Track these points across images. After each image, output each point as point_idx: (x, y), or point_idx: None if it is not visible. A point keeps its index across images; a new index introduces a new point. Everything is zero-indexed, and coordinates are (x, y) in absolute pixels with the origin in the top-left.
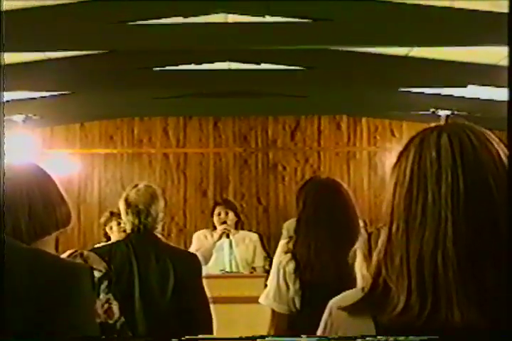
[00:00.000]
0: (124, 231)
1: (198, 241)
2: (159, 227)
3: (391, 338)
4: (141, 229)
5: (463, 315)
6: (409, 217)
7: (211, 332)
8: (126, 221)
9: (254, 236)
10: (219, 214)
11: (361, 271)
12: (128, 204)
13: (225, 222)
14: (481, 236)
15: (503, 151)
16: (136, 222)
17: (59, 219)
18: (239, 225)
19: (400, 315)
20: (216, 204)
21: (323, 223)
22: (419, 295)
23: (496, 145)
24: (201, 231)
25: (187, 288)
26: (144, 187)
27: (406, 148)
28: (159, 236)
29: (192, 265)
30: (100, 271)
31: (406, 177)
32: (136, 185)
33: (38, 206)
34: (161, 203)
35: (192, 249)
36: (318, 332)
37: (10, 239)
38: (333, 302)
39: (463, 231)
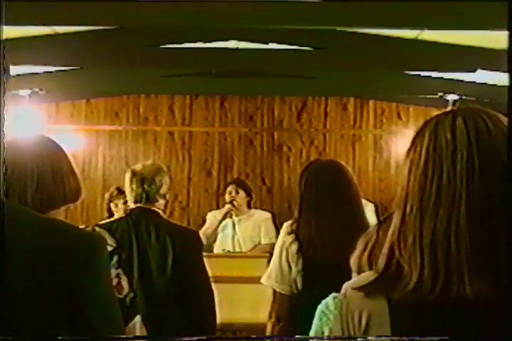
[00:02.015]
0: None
1: (209, 221)
2: (162, 201)
3: (395, 338)
4: (144, 198)
5: (474, 289)
6: (424, 197)
7: (213, 310)
8: (130, 190)
9: (266, 215)
10: (230, 193)
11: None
12: (133, 173)
13: (234, 201)
14: (494, 215)
15: None
16: (140, 190)
17: (67, 193)
18: (251, 204)
19: (413, 292)
20: (229, 183)
21: (325, 203)
22: (431, 272)
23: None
24: (214, 211)
25: (187, 266)
26: (151, 161)
27: (421, 131)
28: (161, 212)
29: (192, 242)
30: (111, 245)
31: (421, 158)
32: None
33: (46, 177)
34: (166, 177)
35: (203, 228)
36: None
37: (27, 208)
38: (348, 284)
39: (476, 209)
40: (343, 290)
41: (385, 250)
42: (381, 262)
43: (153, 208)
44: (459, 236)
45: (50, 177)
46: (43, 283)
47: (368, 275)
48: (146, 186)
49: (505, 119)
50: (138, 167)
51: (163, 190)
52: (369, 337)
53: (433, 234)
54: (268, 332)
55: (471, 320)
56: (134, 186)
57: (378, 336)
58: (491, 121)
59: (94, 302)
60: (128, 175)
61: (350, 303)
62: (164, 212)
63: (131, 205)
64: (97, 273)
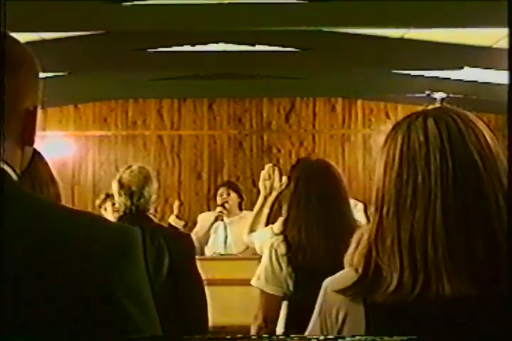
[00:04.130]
0: (118, 211)
1: (200, 223)
2: (152, 209)
3: (377, 338)
4: (133, 211)
5: (453, 288)
6: (400, 200)
7: (206, 312)
8: (119, 202)
9: None
10: (221, 195)
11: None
12: (121, 185)
13: (225, 203)
14: (469, 214)
15: (486, 131)
16: (129, 203)
17: None
18: (243, 205)
19: (393, 294)
20: (219, 185)
21: (314, 205)
22: (411, 273)
23: (480, 127)
24: (205, 213)
25: (182, 268)
26: (137, 169)
27: (392, 132)
28: (152, 217)
29: (186, 245)
30: None
31: (395, 160)
32: (129, 167)
33: (25, 185)
34: (155, 185)
35: (194, 231)
36: (314, 313)
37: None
38: (328, 283)
39: (452, 210)
40: (323, 289)
41: (363, 251)
42: (360, 262)
43: (145, 214)
44: (436, 237)
45: (29, 185)
46: (78, 275)
47: (348, 274)
48: (135, 200)
49: (473, 117)
50: (125, 177)
51: (152, 200)
52: (356, 337)
53: (410, 235)
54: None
55: (451, 319)
56: (123, 199)
57: (352, 335)
58: (461, 121)
59: (131, 296)
60: (115, 186)
61: (329, 300)
62: (155, 216)
63: (122, 213)
64: (133, 264)
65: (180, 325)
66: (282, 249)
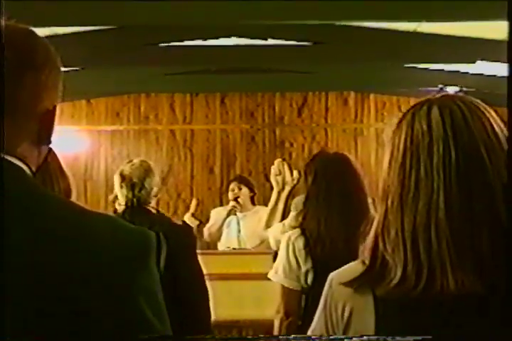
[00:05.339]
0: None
1: (213, 218)
2: (153, 202)
3: (389, 338)
4: (135, 203)
5: (457, 283)
6: (403, 191)
7: (207, 306)
8: (121, 194)
9: None
10: (233, 190)
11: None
12: (122, 177)
13: (237, 198)
14: (473, 206)
15: (494, 120)
16: (130, 195)
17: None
18: (255, 200)
19: (397, 287)
20: (231, 180)
21: (334, 197)
22: (414, 267)
23: (487, 115)
24: (218, 208)
25: (180, 261)
26: (138, 162)
27: (399, 124)
28: (152, 210)
29: (185, 238)
30: None
31: (399, 152)
32: (131, 160)
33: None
34: (156, 178)
35: (207, 226)
36: (319, 308)
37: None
38: (334, 276)
39: (455, 201)
40: (328, 282)
41: (369, 243)
42: (367, 254)
43: (145, 206)
44: (439, 229)
45: (40, 178)
46: (98, 277)
47: (355, 267)
48: (136, 192)
49: (481, 105)
50: (126, 169)
51: (153, 192)
52: (364, 337)
53: (413, 228)
54: (276, 328)
55: (456, 314)
56: (125, 191)
57: (362, 335)
58: (467, 108)
59: (147, 297)
60: (117, 178)
61: (335, 294)
62: (157, 210)
63: (123, 207)
64: (150, 269)
65: (180, 321)
66: (300, 243)
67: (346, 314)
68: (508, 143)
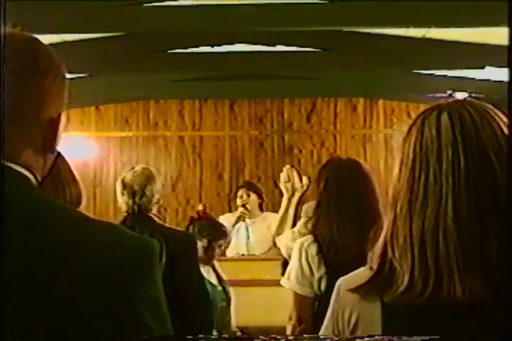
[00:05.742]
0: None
1: None
2: (154, 209)
3: (395, 338)
4: (136, 210)
5: (465, 289)
6: (412, 197)
7: (208, 313)
8: (122, 202)
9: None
10: (241, 197)
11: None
12: (124, 185)
13: (246, 204)
14: (481, 212)
15: (504, 125)
16: (131, 202)
17: (68, 201)
18: (264, 206)
19: (404, 294)
20: (239, 187)
21: (346, 203)
22: (421, 273)
23: (497, 119)
24: (227, 214)
25: (181, 269)
26: (140, 169)
27: (409, 129)
28: (154, 218)
29: (185, 245)
30: None
31: (409, 157)
32: (133, 168)
33: (46, 185)
34: (158, 185)
35: None
36: (328, 312)
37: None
38: (341, 282)
39: (463, 207)
40: (336, 288)
41: (378, 249)
42: (375, 261)
43: (147, 213)
44: (447, 236)
45: (51, 184)
46: (100, 286)
47: (362, 273)
48: (137, 199)
49: (492, 109)
50: (128, 177)
51: (155, 200)
52: (366, 338)
53: (421, 234)
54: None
55: (463, 321)
56: (126, 198)
57: (370, 335)
58: (476, 113)
59: (149, 305)
60: (119, 187)
61: (342, 300)
62: (159, 218)
63: (124, 214)
64: (152, 277)
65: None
66: (313, 250)
67: (353, 320)
68: (508, 143)
